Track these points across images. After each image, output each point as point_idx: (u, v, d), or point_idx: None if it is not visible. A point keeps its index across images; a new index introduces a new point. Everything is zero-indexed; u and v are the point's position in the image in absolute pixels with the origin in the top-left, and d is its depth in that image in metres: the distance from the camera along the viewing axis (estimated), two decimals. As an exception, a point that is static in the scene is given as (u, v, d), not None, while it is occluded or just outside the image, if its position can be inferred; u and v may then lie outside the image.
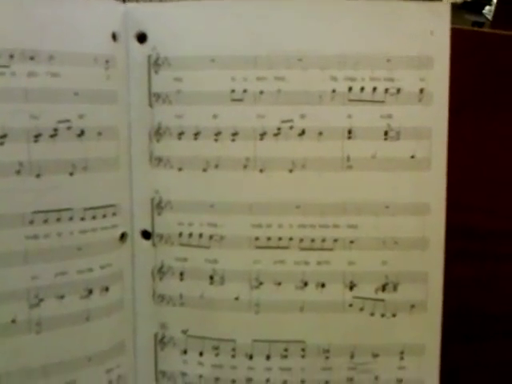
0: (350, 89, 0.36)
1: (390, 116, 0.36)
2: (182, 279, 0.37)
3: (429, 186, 0.36)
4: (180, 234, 0.37)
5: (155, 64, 0.36)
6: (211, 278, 0.37)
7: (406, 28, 0.36)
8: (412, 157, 0.36)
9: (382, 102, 0.36)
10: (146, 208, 0.37)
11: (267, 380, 0.37)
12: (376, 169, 0.36)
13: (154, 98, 0.36)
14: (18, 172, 0.32)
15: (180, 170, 0.36)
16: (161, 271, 0.37)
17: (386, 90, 0.36)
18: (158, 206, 0.37)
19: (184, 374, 0.38)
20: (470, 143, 0.42)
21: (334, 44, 0.35)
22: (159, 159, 0.36)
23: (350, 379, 0.37)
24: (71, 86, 0.33)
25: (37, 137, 0.32)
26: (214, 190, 0.36)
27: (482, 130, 0.42)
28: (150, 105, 0.36)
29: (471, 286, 0.43)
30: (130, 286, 0.37)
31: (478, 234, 0.43)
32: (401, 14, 0.36)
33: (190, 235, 0.37)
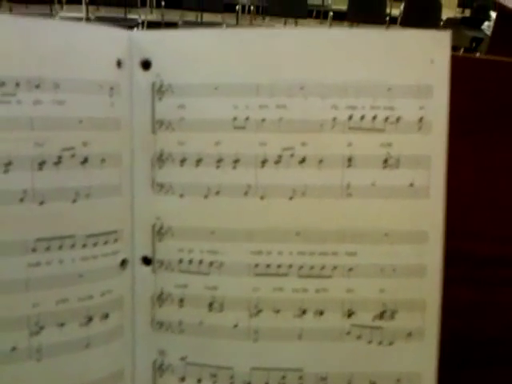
0: (351, 117, 0.36)
1: (389, 144, 0.36)
2: (181, 306, 0.37)
3: (427, 214, 0.37)
4: (180, 261, 0.37)
5: (159, 91, 0.36)
6: (210, 305, 0.37)
7: (407, 56, 0.36)
8: (411, 185, 0.36)
9: (382, 130, 0.36)
10: (147, 234, 0.37)
11: (265, 407, 0.37)
12: (375, 197, 0.36)
13: (157, 124, 0.37)
14: (22, 200, 0.32)
15: (181, 196, 0.37)
16: (160, 298, 0.37)
17: (386, 119, 0.36)
18: (159, 233, 0.37)
19: (182, 401, 0.38)
20: (470, 170, 0.43)
21: (334, 73, 0.36)
22: (161, 185, 0.37)
23: (348, 407, 0.37)
24: (76, 113, 0.34)
25: (41, 164, 0.33)
26: (215, 216, 0.37)
27: (482, 156, 0.43)
28: (153, 131, 0.37)
29: (470, 312, 0.43)
30: (130, 312, 0.37)
31: (476, 260, 0.43)
32: (401, 43, 0.36)
33: (190, 262, 0.37)
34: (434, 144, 0.37)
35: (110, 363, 0.36)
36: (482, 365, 0.44)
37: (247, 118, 0.36)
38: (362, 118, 0.36)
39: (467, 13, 5.23)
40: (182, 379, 0.38)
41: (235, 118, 0.36)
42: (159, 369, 0.38)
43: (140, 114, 0.37)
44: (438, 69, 0.36)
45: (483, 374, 0.44)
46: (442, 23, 4.36)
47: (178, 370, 0.37)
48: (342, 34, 0.37)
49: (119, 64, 0.36)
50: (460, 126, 0.41)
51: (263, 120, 0.36)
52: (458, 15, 5.26)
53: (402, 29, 0.43)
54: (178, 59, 0.36)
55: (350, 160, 0.36)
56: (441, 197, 0.37)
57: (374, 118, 0.36)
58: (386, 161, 0.36)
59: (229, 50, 0.36)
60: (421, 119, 0.36)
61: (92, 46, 0.35)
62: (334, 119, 0.36)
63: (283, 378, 0.37)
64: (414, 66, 0.36)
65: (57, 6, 4.45)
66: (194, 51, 0.36)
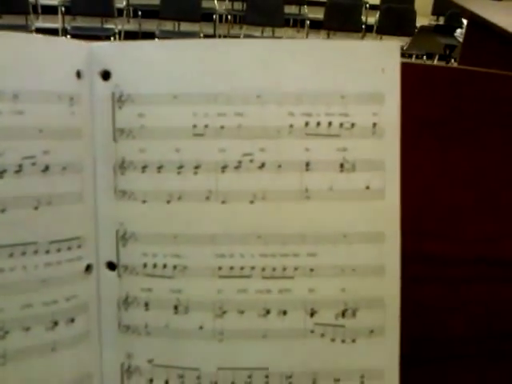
0: (307, 124, 0.37)
1: (345, 149, 0.38)
2: (147, 309, 0.38)
3: (383, 215, 0.38)
4: (145, 265, 0.38)
5: (119, 100, 0.37)
6: (176, 307, 0.38)
7: (359, 66, 0.38)
8: (367, 187, 0.38)
9: (338, 135, 0.38)
10: (111, 240, 0.38)
11: (231, 407, 0.38)
12: (333, 199, 0.38)
13: (118, 132, 0.37)
14: (-17, 208, 0.33)
15: (144, 202, 0.37)
16: (126, 301, 0.38)
17: (341, 125, 0.37)
18: (122, 238, 0.38)
19: (149, 403, 0.38)
20: (424, 172, 0.45)
21: (290, 81, 0.37)
22: (123, 192, 0.38)
23: (312, 404, 0.38)
24: (36, 123, 0.34)
25: (2, 173, 0.33)
26: (178, 221, 0.37)
27: (435, 159, 0.45)
28: (115, 139, 0.37)
29: (428, 310, 0.45)
30: (96, 316, 0.38)
31: (433, 259, 0.45)
32: (354, 53, 0.38)
33: (155, 266, 0.38)
34: (388, 148, 0.38)
35: (77, 366, 0.37)
36: (442, 361, 0.45)
37: (206, 126, 0.37)
38: (318, 124, 0.38)
39: (441, 20, 5.33)
40: (150, 381, 0.38)
41: (195, 126, 0.37)
42: (127, 371, 0.38)
43: (101, 123, 0.37)
44: (388, 77, 0.38)
45: (443, 370, 0.45)
46: (416, 30, 4.45)
47: (146, 372, 0.38)
48: (296, 44, 0.38)
49: (79, 75, 0.36)
50: (414, 131, 0.43)
51: (222, 127, 0.37)
52: (433, 22, 5.36)
53: (356, 40, 0.45)
54: (137, 69, 0.37)
55: (307, 165, 0.37)
56: (396, 198, 0.38)
57: (330, 124, 0.38)
58: (342, 165, 0.38)
59: (187, 60, 0.37)
60: (374, 125, 0.38)
61: (52, 57, 0.35)
62: (291, 126, 0.37)
63: (249, 377, 0.38)
64: (366, 75, 0.38)
65: (32, 17, 4.43)
66: (152, 62, 0.37)
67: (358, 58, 0.38)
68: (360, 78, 0.38)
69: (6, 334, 0.34)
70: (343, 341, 0.38)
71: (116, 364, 0.38)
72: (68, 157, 0.36)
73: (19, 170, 0.34)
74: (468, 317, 0.46)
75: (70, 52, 0.36)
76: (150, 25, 4.82)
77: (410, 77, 0.40)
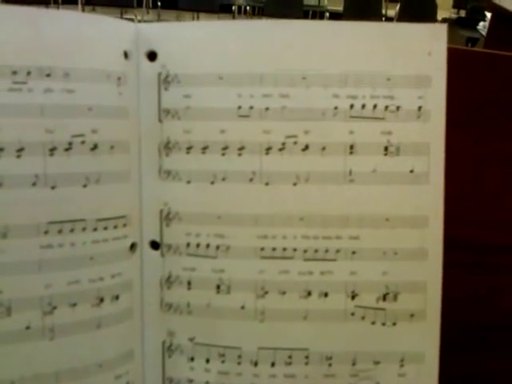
0: (352, 106, 0.37)
1: (389, 132, 0.37)
2: (189, 288, 0.38)
3: (427, 200, 0.38)
4: (188, 245, 0.38)
5: (165, 81, 0.37)
6: (218, 287, 0.38)
7: (405, 48, 0.37)
8: (411, 171, 0.38)
9: (382, 118, 0.37)
10: (155, 219, 0.38)
11: (272, 387, 0.38)
12: (376, 183, 0.38)
13: (164, 113, 0.38)
14: (34, 184, 0.33)
15: (188, 182, 0.38)
16: (169, 280, 0.38)
17: (386, 108, 0.37)
18: (166, 218, 0.38)
19: (191, 381, 0.39)
20: (469, 158, 0.44)
21: (336, 63, 0.37)
22: (168, 172, 0.38)
23: (352, 386, 0.38)
24: (85, 101, 0.35)
25: (52, 150, 0.34)
26: (221, 202, 0.38)
27: (480, 145, 0.44)
28: (160, 120, 0.38)
29: (469, 297, 0.44)
30: (139, 294, 0.38)
31: (472, 246, 0.45)
32: (400, 35, 0.37)
33: (198, 246, 0.38)
34: (433, 132, 0.38)
35: (120, 344, 0.37)
36: (481, 347, 0.45)
37: (251, 107, 0.37)
38: (363, 106, 0.37)
39: (462, 13, 5.26)
40: (191, 359, 0.39)
41: (240, 107, 0.37)
42: (168, 349, 0.39)
43: (147, 104, 0.38)
44: (435, 60, 0.37)
45: (483, 356, 0.45)
46: (438, 23, 4.37)
47: (187, 350, 0.39)
48: (342, 26, 0.38)
49: (126, 55, 0.37)
50: (458, 117, 0.43)
51: (267, 109, 0.37)
52: (453, 15, 5.29)
53: (402, 22, 0.44)
54: (183, 50, 0.37)
55: (351, 147, 0.37)
56: (440, 183, 0.38)
57: (375, 106, 0.37)
58: (386, 148, 0.37)
59: (233, 40, 0.37)
60: (420, 108, 0.37)
61: (100, 36, 0.36)
62: (336, 108, 0.37)
63: (289, 357, 0.38)
64: (412, 58, 0.37)
65: (52, 6, 4.46)
66: (198, 42, 0.37)
67: (404, 40, 0.37)
68: (406, 61, 0.37)
69: (54, 309, 0.35)
70: (383, 324, 0.38)
71: (158, 342, 0.39)
72: (116, 136, 0.36)
73: (69, 147, 0.34)
74: (508, 304, 0.45)
75: (118, 32, 0.37)
76: (168, 16, 4.83)
77: (455, 61, 0.39)
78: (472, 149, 0.44)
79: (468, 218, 0.45)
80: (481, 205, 0.45)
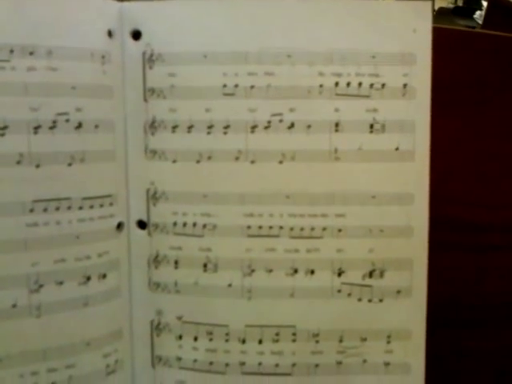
0: (337, 84, 0.37)
1: (375, 110, 0.37)
2: (176, 267, 0.38)
3: (413, 177, 0.38)
4: (174, 224, 0.38)
5: (149, 60, 0.37)
6: (205, 265, 0.38)
7: (390, 26, 0.37)
8: (396, 149, 0.38)
9: (368, 96, 0.37)
10: (142, 198, 0.38)
11: (259, 364, 0.38)
12: (362, 160, 0.38)
13: (149, 92, 0.38)
14: (19, 162, 0.33)
15: (174, 161, 0.38)
16: (156, 260, 0.39)
17: (371, 85, 0.37)
18: (153, 197, 0.38)
19: (179, 359, 0.39)
20: (454, 137, 0.44)
21: (321, 41, 0.37)
22: (154, 152, 0.38)
23: (339, 363, 0.39)
24: (69, 80, 0.35)
25: (36, 128, 0.34)
26: (207, 180, 0.38)
27: (466, 124, 0.44)
28: (145, 99, 0.38)
29: (454, 276, 0.45)
30: (127, 273, 0.38)
31: (460, 225, 0.45)
32: (385, 13, 0.37)
33: (185, 225, 0.38)
34: (418, 109, 0.38)
35: (108, 322, 0.37)
36: (467, 326, 0.45)
37: (236, 85, 0.37)
38: (348, 84, 0.37)
39: (460, 2, 5.24)
40: (179, 337, 0.39)
41: (225, 85, 0.37)
42: (156, 328, 0.39)
43: (132, 83, 0.38)
44: (420, 38, 0.37)
45: (469, 334, 0.45)
46: (434, 12, 4.37)
47: (175, 328, 0.39)
48: (327, 3, 0.38)
49: (110, 34, 0.37)
50: (444, 96, 0.43)
51: (252, 87, 0.37)
52: (451, 5, 5.27)
53: (387, 0, 0.44)
54: (167, 29, 0.37)
55: (337, 125, 0.37)
56: (426, 160, 0.38)
57: (360, 84, 0.37)
58: (371, 126, 0.38)
59: (217, 18, 0.37)
60: (405, 86, 0.38)
61: (83, 15, 0.36)
62: (321, 86, 0.37)
63: (277, 334, 0.38)
64: (397, 35, 0.37)
65: None
66: (183, 21, 0.37)
67: (389, 17, 0.37)
68: (391, 38, 0.37)
69: (41, 287, 0.35)
70: (370, 300, 0.38)
71: (146, 321, 0.39)
72: (100, 115, 0.36)
73: (53, 126, 0.34)
74: (494, 283, 0.46)
75: (102, 10, 0.37)
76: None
77: (441, 40, 0.39)
78: (461, 128, 0.44)
79: (456, 196, 0.45)
80: (469, 184, 0.45)
